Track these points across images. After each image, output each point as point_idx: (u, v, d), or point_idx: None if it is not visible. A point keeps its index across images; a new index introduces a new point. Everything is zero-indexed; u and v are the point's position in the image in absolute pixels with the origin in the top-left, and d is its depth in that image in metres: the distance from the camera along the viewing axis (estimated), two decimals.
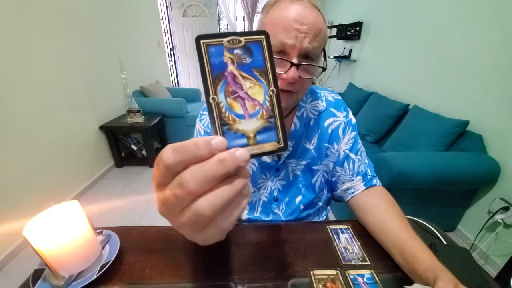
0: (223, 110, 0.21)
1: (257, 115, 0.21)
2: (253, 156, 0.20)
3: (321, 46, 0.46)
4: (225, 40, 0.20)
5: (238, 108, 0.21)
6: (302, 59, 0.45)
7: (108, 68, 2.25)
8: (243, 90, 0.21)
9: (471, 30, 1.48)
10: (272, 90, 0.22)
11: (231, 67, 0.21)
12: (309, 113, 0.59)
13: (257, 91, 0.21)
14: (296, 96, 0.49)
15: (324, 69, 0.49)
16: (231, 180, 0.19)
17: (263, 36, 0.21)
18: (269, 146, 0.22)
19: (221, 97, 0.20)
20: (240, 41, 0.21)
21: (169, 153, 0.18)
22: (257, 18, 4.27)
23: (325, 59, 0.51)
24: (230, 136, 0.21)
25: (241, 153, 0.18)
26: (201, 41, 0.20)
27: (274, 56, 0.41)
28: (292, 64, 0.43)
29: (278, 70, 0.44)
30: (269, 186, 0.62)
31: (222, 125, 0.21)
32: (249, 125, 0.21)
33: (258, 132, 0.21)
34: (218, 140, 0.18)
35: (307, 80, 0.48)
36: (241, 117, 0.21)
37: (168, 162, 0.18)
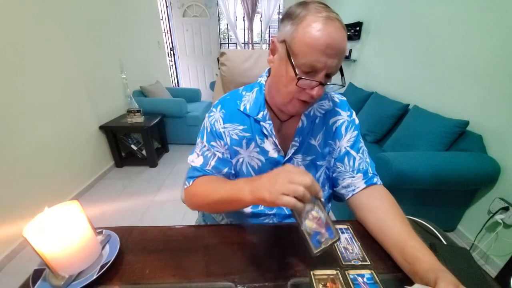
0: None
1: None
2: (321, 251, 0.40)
3: (340, 65, 0.50)
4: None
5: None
6: (325, 76, 0.49)
7: (108, 68, 2.25)
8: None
9: (471, 30, 1.48)
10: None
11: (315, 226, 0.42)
12: (316, 112, 0.61)
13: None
14: (313, 103, 0.55)
15: (342, 86, 0.53)
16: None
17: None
18: (332, 240, 0.40)
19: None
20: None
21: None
22: (257, 18, 4.27)
23: (342, 74, 0.54)
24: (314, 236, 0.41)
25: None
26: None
27: (303, 78, 0.48)
28: (320, 83, 0.48)
29: (306, 85, 0.49)
30: None
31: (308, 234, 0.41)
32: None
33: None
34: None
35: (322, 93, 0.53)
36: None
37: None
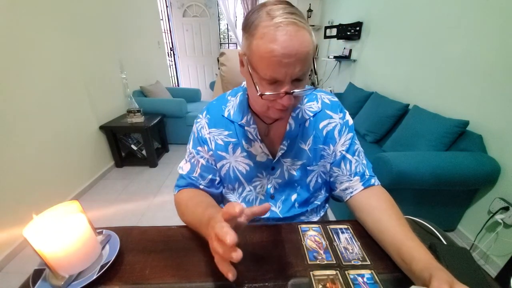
0: None
1: None
2: None
3: (310, 65, 0.46)
4: None
5: None
6: (294, 82, 0.46)
7: (108, 68, 2.25)
8: None
9: (471, 30, 1.48)
10: None
11: None
12: (304, 114, 0.60)
13: None
14: (291, 108, 0.54)
15: (315, 87, 0.52)
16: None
17: None
18: None
19: None
20: None
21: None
22: None
23: (315, 73, 0.53)
24: None
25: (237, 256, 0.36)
26: None
27: (265, 93, 0.46)
28: (286, 93, 0.45)
29: (273, 97, 0.47)
30: (265, 185, 0.63)
31: None
32: None
33: None
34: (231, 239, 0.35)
35: (300, 96, 0.51)
36: None
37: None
